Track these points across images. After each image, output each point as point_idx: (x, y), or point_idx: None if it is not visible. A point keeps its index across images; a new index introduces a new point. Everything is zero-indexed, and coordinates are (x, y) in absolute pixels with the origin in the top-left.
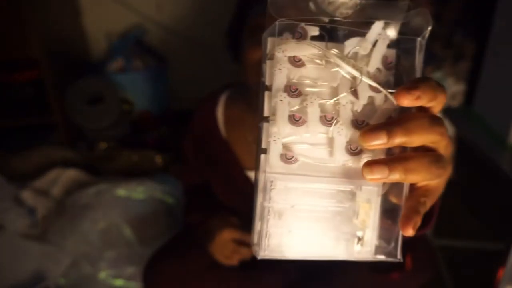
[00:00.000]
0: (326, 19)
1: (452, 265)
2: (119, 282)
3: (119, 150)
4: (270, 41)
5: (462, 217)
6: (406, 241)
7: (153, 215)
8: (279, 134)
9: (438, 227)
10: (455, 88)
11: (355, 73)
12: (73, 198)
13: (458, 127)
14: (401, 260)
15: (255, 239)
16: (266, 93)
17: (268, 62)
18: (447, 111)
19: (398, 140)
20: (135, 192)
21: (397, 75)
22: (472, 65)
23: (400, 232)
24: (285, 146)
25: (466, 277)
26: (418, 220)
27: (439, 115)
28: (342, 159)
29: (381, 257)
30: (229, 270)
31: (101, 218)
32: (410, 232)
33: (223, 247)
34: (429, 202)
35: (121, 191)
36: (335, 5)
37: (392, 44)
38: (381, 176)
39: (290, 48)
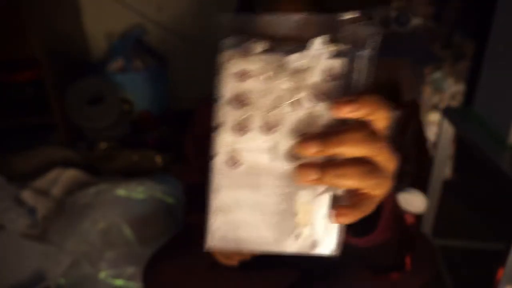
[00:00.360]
0: (271, 35)
1: (452, 265)
2: (119, 282)
3: (119, 150)
4: (220, 54)
5: (462, 217)
6: (406, 241)
7: (153, 215)
8: (224, 143)
9: (438, 227)
10: (455, 88)
11: (296, 86)
12: (73, 198)
13: (458, 127)
14: (337, 254)
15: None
16: (215, 104)
17: (218, 74)
18: (447, 111)
19: (331, 150)
20: (135, 192)
21: (351, 85)
22: (472, 65)
23: (337, 227)
24: (230, 153)
25: (466, 277)
26: (346, 213)
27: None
28: (282, 165)
29: (318, 251)
30: (229, 270)
31: (101, 218)
32: (333, 219)
33: None
34: (364, 208)
35: (121, 191)
36: (278, 21)
37: (343, 53)
38: (311, 178)
39: (236, 64)
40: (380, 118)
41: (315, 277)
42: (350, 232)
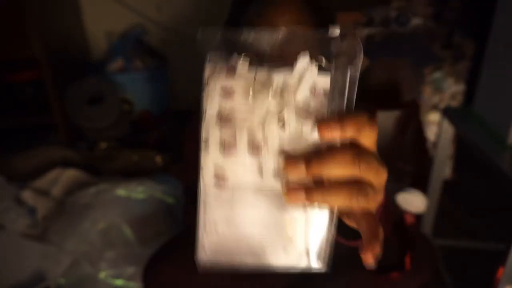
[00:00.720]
0: (256, 51)
1: (452, 265)
2: (119, 282)
3: (119, 150)
4: (206, 69)
5: (462, 217)
6: (406, 241)
7: (153, 215)
8: (211, 160)
9: (438, 227)
10: (455, 88)
11: (282, 103)
12: (73, 198)
13: (458, 127)
14: (322, 270)
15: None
16: (202, 119)
17: (203, 89)
18: (447, 111)
19: (317, 171)
20: (135, 192)
21: (336, 102)
22: (472, 65)
23: (325, 243)
24: (217, 171)
25: (466, 277)
26: (377, 249)
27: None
28: (269, 183)
29: (307, 265)
30: None
31: (101, 218)
32: (370, 260)
33: None
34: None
35: (121, 191)
36: (263, 37)
37: (328, 70)
38: (298, 198)
39: (221, 80)
40: (367, 136)
41: (315, 277)
42: (341, 235)
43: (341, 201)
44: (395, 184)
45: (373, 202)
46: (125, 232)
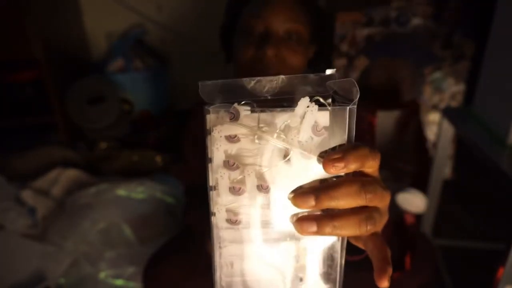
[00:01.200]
0: (256, 97)
1: (452, 265)
2: (119, 282)
3: (119, 150)
4: (208, 118)
5: (462, 217)
6: (406, 241)
7: (153, 215)
8: (222, 203)
9: (438, 227)
10: (455, 88)
11: (286, 145)
12: (73, 198)
13: (458, 127)
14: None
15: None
16: (209, 165)
17: (208, 137)
18: (447, 111)
19: (326, 204)
20: (135, 192)
21: (337, 137)
22: (472, 65)
23: (339, 268)
24: (229, 211)
25: (466, 277)
26: (389, 271)
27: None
28: (280, 219)
29: None
30: None
31: (101, 218)
32: (385, 284)
33: None
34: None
35: (121, 191)
36: (262, 84)
37: (328, 108)
38: (310, 230)
39: (225, 128)
40: (370, 166)
41: None
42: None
43: (351, 230)
44: (395, 184)
45: (380, 225)
46: (125, 232)
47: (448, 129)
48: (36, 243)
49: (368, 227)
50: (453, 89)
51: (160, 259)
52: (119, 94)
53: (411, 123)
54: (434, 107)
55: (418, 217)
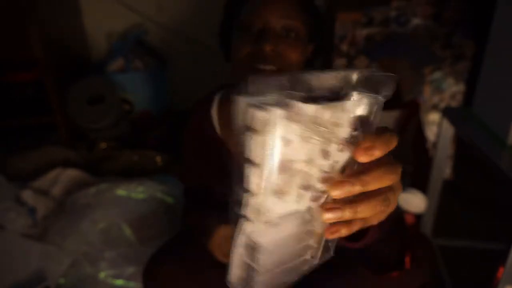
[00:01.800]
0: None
1: (452, 265)
2: (119, 282)
3: (119, 150)
4: (258, 116)
5: (462, 217)
6: (406, 241)
7: (153, 215)
8: (264, 206)
9: (438, 227)
10: (455, 88)
11: (327, 139)
12: (73, 198)
13: (458, 127)
14: (331, 255)
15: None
16: (253, 169)
17: (255, 137)
18: (447, 111)
19: (358, 189)
20: (135, 192)
21: (370, 128)
22: (472, 65)
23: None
24: (270, 216)
25: (466, 277)
26: (340, 229)
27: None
28: (304, 207)
29: (324, 259)
30: None
31: (101, 218)
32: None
33: (222, 244)
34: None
35: (121, 191)
36: (298, 80)
37: (366, 101)
38: (335, 217)
39: (282, 123)
40: (392, 147)
41: (315, 276)
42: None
43: (369, 212)
44: None
45: (394, 203)
46: (125, 232)
47: (448, 129)
48: (36, 243)
49: (382, 209)
50: (453, 89)
51: (160, 259)
52: (119, 94)
53: (411, 123)
54: (434, 107)
55: (418, 217)
